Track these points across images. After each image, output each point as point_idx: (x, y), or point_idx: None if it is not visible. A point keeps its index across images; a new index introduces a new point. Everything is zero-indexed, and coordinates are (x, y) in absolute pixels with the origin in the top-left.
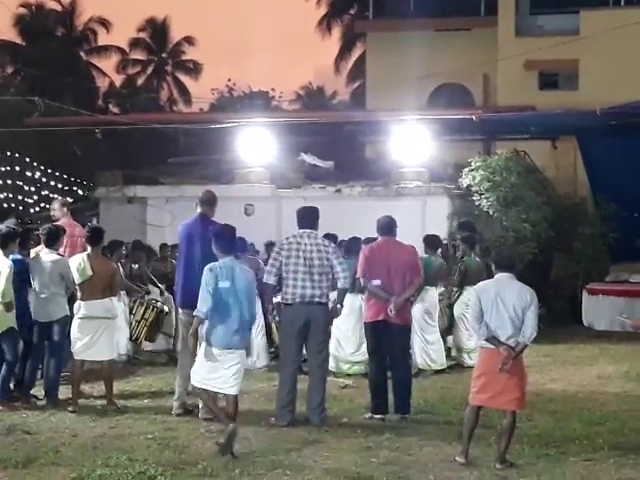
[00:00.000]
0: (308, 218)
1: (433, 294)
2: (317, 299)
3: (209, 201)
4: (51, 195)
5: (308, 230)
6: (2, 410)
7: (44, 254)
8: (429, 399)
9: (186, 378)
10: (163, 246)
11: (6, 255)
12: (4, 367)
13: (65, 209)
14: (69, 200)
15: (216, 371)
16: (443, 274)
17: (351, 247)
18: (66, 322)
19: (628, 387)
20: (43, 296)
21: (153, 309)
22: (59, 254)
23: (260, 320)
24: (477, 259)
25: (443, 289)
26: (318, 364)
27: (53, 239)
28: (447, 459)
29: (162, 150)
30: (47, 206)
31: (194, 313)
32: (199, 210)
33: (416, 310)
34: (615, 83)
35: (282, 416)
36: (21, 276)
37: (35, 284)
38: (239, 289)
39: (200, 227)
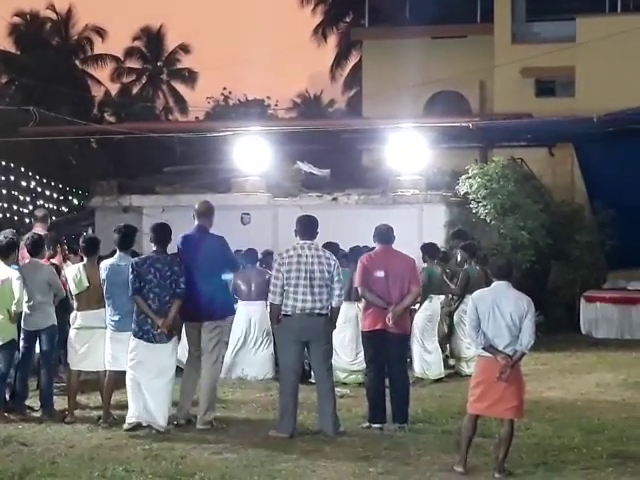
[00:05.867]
0: (309, 228)
1: (437, 302)
2: (317, 311)
3: (206, 212)
4: (46, 205)
5: (309, 241)
6: None
7: (29, 263)
8: (427, 408)
9: (191, 389)
10: None
11: (7, 265)
12: None
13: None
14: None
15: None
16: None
17: (352, 256)
18: (54, 331)
19: (626, 395)
20: (29, 305)
21: None
22: (53, 263)
23: (269, 333)
24: (477, 267)
25: (443, 297)
26: (324, 375)
27: (38, 247)
28: (445, 469)
29: (158, 159)
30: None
31: None
32: (196, 222)
33: (419, 318)
34: (612, 90)
35: (284, 427)
36: None
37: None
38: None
39: (198, 239)
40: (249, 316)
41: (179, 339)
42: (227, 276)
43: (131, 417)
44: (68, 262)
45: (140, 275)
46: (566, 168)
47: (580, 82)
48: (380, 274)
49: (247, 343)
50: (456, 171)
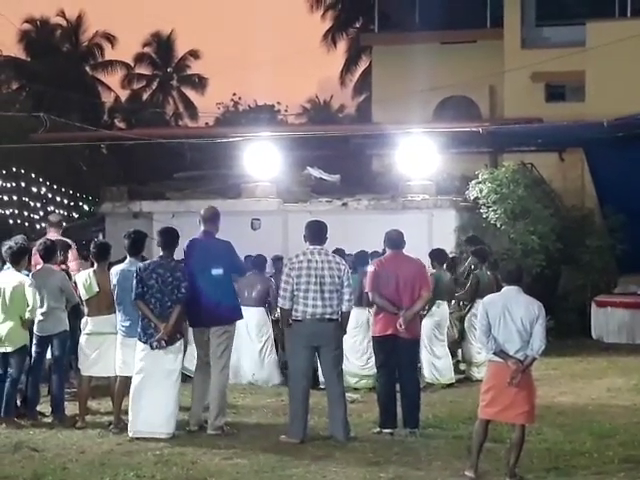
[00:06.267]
0: (319, 234)
1: (445, 308)
2: (327, 316)
3: (211, 218)
4: (57, 211)
5: (318, 247)
6: (9, 427)
7: (42, 269)
8: (438, 413)
9: (203, 395)
10: None
11: (18, 271)
12: (8, 383)
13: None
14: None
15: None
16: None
17: (358, 261)
18: (66, 337)
19: (637, 400)
20: (41, 311)
21: None
22: (64, 269)
23: (270, 339)
24: (488, 272)
25: (454, 303)
26: (335, 380)
27: (50, 253)
28: (456, 474)
29: (168, 165)
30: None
31: None
32: (202, 227)
33: (426, 324)
34: (622, 94)
35: (295, 432)
36: None
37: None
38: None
39: (205, 244)
40: (245, 322)
41: (185, 344)
42: (217, 271)
43: (130, 430)
44: (80, 268)
45: (143, 280)
46: (576, 173)
47: (590, 87)
48: (391, 279)
49: (248, 348)
50: (466, 176)
